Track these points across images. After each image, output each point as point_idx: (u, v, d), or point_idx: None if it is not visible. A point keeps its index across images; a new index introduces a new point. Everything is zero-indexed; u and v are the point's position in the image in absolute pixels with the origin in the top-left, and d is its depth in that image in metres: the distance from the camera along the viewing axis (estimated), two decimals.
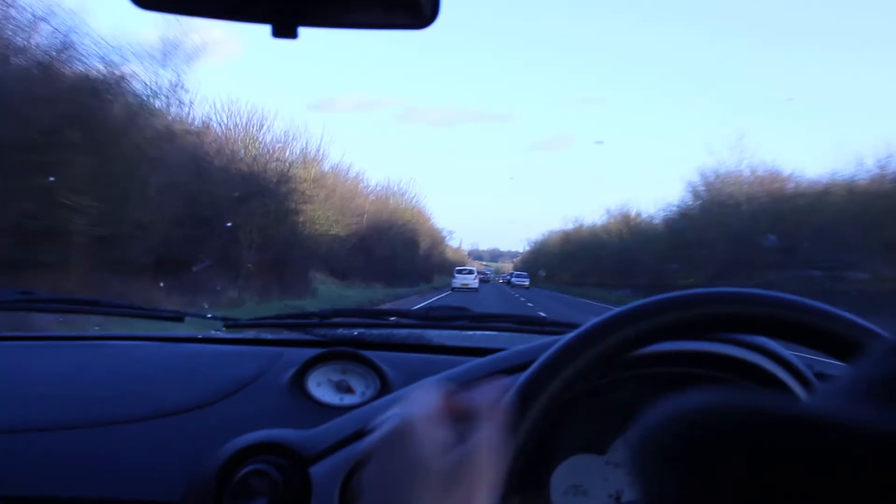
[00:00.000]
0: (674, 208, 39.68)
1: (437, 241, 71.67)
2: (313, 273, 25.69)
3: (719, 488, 0.36)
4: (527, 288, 57.03)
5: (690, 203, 37.22)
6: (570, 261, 63.64)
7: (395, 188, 51.21)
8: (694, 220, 35.31)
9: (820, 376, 1.10)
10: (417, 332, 1.70)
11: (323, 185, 29.53)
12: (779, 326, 0.70)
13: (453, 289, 40.98)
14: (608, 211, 57.05)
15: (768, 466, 0.35)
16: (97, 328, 1.77)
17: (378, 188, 46.31)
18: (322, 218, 27.85)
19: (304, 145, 27.72)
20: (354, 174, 38.47)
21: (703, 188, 36.14)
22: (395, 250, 39.89)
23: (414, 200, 54.60)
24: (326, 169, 31.12)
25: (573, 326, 0.86)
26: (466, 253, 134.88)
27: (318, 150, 29.63)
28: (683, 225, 36.01)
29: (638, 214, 51.61)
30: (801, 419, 0.35)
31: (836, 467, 0.34)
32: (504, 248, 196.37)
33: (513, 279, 66.79)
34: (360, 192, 38.77)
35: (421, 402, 0.66)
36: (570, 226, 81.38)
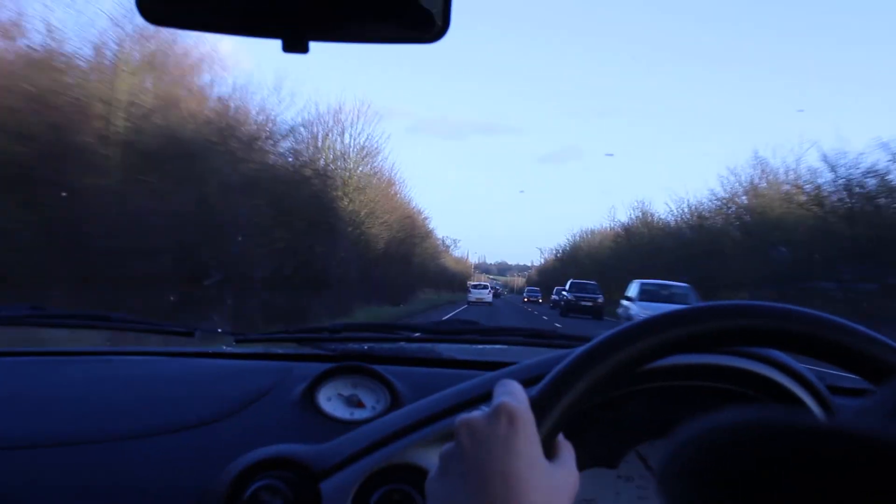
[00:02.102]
0: None
1: (420, 232, 45.57)
2: None
3: None
4: None
5: None
6: (635, 266, 34.27)
7: (328, 117, 27.34)
8: None
9: (832, 389, 1.09)
10: (428, 345, 1.70)
11: None
12: (812, 344, 0.70)
13: (469, 303, 43.66)
14: (742, 172, 31.23)
15: (801, 483, 0.34)
16: (107, 343, 1.77)
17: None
18: None
19: None
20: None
21: None
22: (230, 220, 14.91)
23: (366, 143, 30.12)
24: None
25: (584, 340, 0.86)
26: (473, 266, 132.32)
27: None
28: None
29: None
30: (835, 436, 0.35)
31: (872, 482, 0.33)
32: (512, 261, 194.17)
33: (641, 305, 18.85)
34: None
35: (519, 396, 0.65)
36: (615, 218, 55.79)
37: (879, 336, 0.69)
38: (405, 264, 38.50)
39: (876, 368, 0.68)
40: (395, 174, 36.67)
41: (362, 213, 29.67)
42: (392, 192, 36.11)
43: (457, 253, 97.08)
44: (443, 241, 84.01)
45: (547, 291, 59.79)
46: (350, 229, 27.15)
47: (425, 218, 49.74)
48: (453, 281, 74.13)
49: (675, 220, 38.44)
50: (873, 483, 0.33)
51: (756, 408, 0.38)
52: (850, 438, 0.35)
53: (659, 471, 0.41)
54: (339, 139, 29.40)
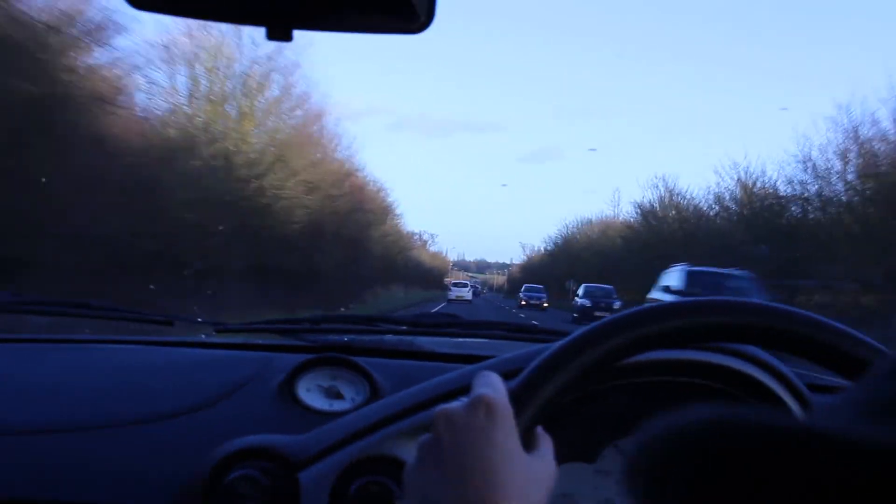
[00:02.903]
0: None
1: (375, 208, 34.31)
2: None
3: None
4: None
5: None
6: (658, 258, 25.14)
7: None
8: None
9: (812, 387, 1.10)
10: (408, 338, 1.70)
11: None
12: (789, 340, 0.70)
13: (449, 300, 44.61)
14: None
15: (767, 482, 0.34)
16: (87, 331, 1.76)
17: None
18: None
19: None
20: None
21: None
22: None
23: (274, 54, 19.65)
24: None
25: (563, 334, 0.87)
26: (452, 263, 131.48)
27: None
28: None
29: None
30: (802, 435, 0.35)
31: (836, 482, 0.33)
32: (491, 259, 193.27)
33: None
34: None
35: (497, 388, 0.65)
36: (619, 205, 50.53)
37: (852, 331, 0.70)
38: (352, 250, 26.89)
39: (850, 364, 0.68)
40: (329, 114, 24.90)
41: (266, 160, 19.33)
42: (320, 138, 23.45)
43: (434, 248, 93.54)
44: (420, 235, 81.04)
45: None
46: (235, 183, 17.25)
47: (381, 190, 37.65)
48: (428, 277, 72.11)
49: (729, 196, 29.29)
50: (840, 483, 0.33)
51: (724, 405, 0.38)
52: (818, 438, 0.35)
53: (625, 467, 0.41)
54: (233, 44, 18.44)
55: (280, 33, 0.74)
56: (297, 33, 0.75)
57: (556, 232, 66.86)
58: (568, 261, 51.24)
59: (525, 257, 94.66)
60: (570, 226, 61.30)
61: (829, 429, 0.35)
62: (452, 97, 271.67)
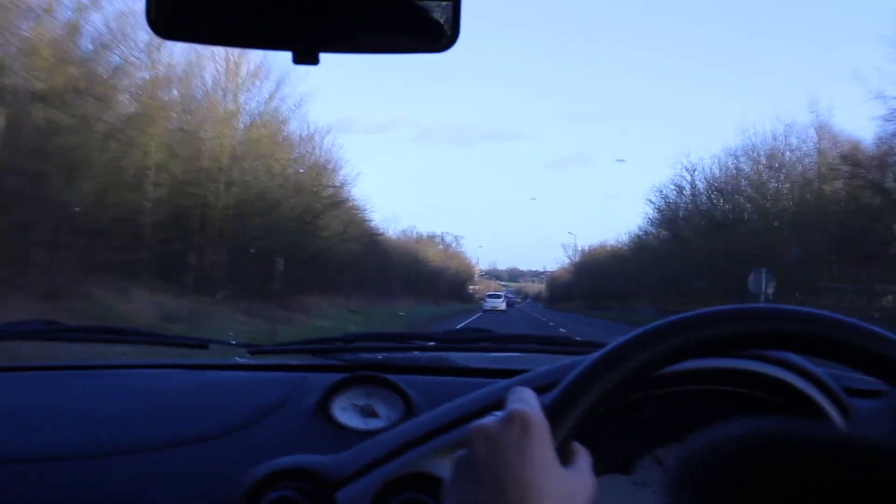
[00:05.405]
0: None
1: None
2: None
3: None
4: None
5: None
6: None
7: None
8: None
9: (850, 392, 1.09)
10: (441, 354, 1.70)
11: None
12: (831, 347, 0.69)
13: (484, 311, 47.32)
14: None
15: (808, 494, 0.34)
16: (122, 356, 1.78)
17: None
18: None
19: None
20: None
21: None
22: None
23: None
24: None
25: (598, 346, 0.86)
26: (481, 271, 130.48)
27: None
28: None
29: None
30: (841, 446, 0.35)
31: (875, 493, 0.33)
32: (524, 267, 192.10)
33: None
34: None
35: (531, 403, 0.65)
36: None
37: (888, 334, 0.69)
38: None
39: (892, 369, 0.67)
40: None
41: None
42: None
43: (458, 250, 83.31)
44: (442, 237, 76.96)
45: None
46: None
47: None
48: (437, 284, 61.84)
49: None
50: (880, 493, 0.33)
51: (764, 417, 0.38)
52: (857, 449, 0.34)
53: (669, 481, 0.41)
54: None
55: (306, 57, 0.74)
56: (322, 56, 0.75)
57: (662, 191, 37.58)
58: (726, 241, 27.52)
59: (569, 258, 77.46)
60: (694, 168, 34.02)
61: (867, 439, 0.35)
62: (476, 108, 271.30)
